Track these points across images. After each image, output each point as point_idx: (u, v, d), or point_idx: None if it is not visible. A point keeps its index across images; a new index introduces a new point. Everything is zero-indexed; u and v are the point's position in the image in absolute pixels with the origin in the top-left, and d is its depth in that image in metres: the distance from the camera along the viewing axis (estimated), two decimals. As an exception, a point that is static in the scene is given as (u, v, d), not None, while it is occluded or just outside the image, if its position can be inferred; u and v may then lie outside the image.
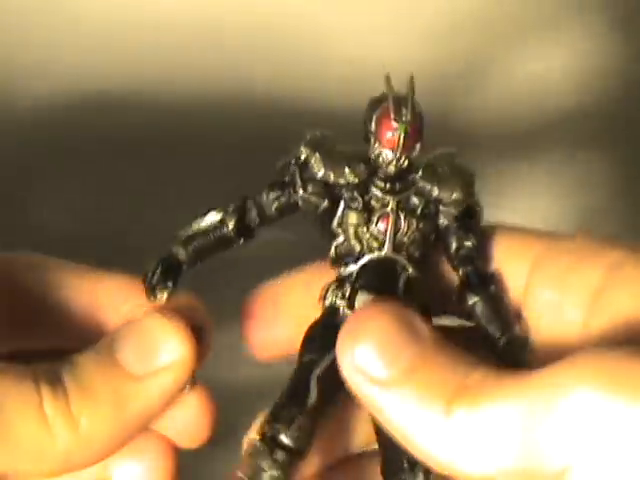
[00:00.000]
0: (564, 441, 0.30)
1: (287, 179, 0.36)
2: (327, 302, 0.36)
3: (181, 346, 0.35)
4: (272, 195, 0.36)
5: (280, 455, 0.34)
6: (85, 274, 0.38)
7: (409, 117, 0.35)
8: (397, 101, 0.35)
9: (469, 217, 0.37)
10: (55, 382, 0.34)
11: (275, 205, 0.36)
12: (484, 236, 0.37)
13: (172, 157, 0.47)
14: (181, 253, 0.36)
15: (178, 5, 0.46)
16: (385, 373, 0.33)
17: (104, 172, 0.48)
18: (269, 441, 0.34)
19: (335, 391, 0.35)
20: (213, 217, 0.36)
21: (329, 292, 0.36)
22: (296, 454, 0.34)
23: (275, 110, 0.46)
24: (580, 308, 0.35)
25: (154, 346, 0.35)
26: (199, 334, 0.36)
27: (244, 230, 0.36)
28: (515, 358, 0.35)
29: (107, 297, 0.38)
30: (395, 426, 0.33)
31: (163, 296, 0.36)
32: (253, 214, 0.36)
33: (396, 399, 0.32)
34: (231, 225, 0.36)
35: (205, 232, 0.36)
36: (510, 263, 0.37)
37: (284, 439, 0.34)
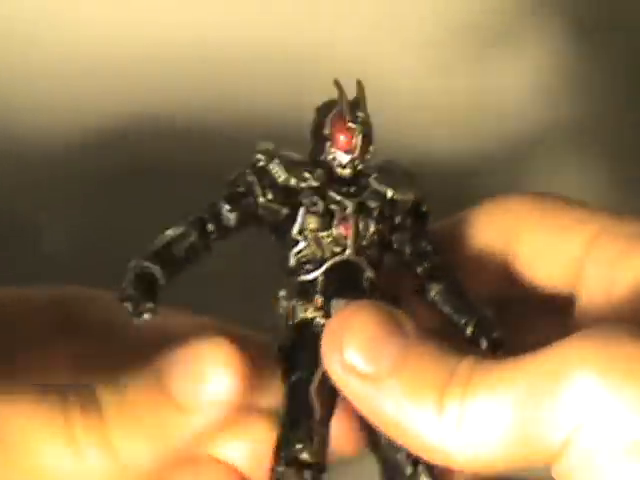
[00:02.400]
0: (564, 424, 0.30)
1: (242, 189, 0.36)
2: (297, 318, 0.36)
3: (231, 377, 0.34)
4: (230, 206, 0.35)
5: (308, 474, 0.34)
6: None
7: (365, 119, 0.35)
8: (351, 104, 0.35)
9: (420, 217, 0.38)
10: (90, 407, 0.32)
11: (234, 216, 0.35)
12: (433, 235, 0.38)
13: (180, 183, 0.46)
14: (156, 270, 0.34)
15: (174, 37, 0.46)
16: (374, 369, 0.32)
17: (115, 200, 0.48)
18: (294, 464, 0.34)
19: (333, 399, 0.35)
20: (175, 231, 0.35)
21: (297, 307, 0.36)
22: (321, 468, 0.34)
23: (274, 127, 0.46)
24: (626, 300, 0.35)
25: (204, 374, 0.34)
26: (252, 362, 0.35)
27: (206, 242, 0.35)
28: (488, 339, 0.36)
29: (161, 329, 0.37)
30: (389, 422, 0.33)
31: (148, 316, 0.33)
32: (210, 227, 0.35)
33: (387, 395, 0.32)
34: (194, 236, 0.35)
35: (171, 245, 0.35)
36: (565, 237, 0.37)
37: (307, 458, 0.34)
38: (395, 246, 0.37)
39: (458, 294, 0.37)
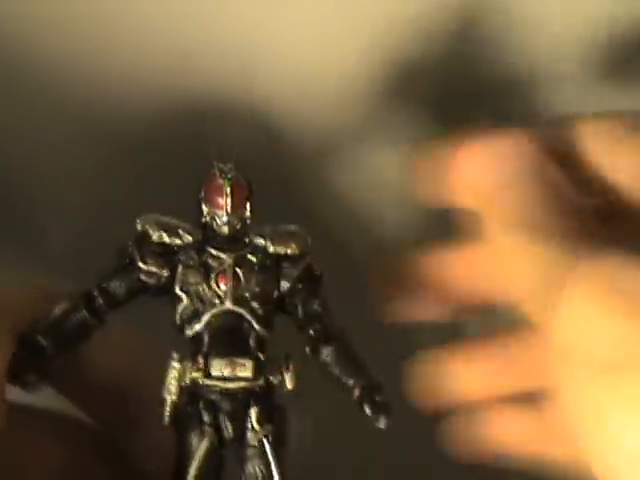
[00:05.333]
0: None
1: (127, 260, 0.37)
2: (187, 380, 0.36)
3: None
4: (115, 278, 0.37)
5: None
6: None
7: (233, 174, 0.37)
8: (222, 166, 0.37)
9: (312, 279, 0.38)
10: None
11: (120, 287, 0.37)
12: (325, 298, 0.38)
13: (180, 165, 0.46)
14: (45, 343, 0.36)
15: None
16: None
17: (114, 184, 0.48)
18: None
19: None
20: (64, 305, 0.37)
21: (185, 370, 0.36)
22: None
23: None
24: None
25: None
26: None
27: (95, 313, 0.37)
28: (372, 403, 0.36)
29: None
30: None
31: (30, 389, 0.36)
32: (100, 300, 0.37)
33: None
34: (82, 308, 0.37)
35: (61, 319, 0.37)
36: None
37: None
38: (288, 308, 0.38)
39: (348, 357, 0.37)
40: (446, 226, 0.42)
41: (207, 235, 0.37)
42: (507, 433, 0.40)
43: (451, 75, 0.45)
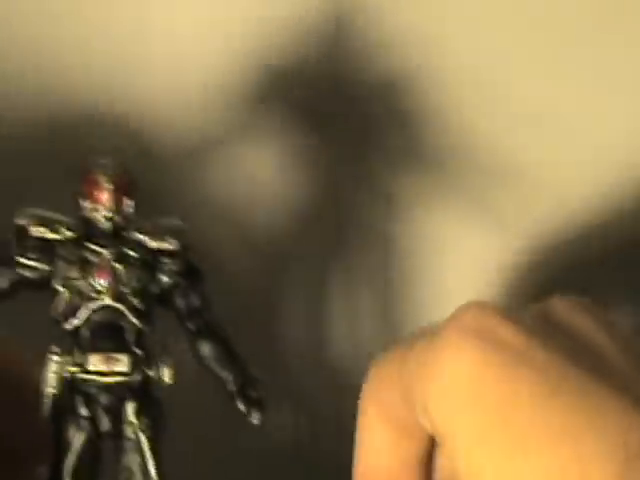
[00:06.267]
0: None
1: (8, 255, 0.38)
2: (66, 374, 0.37)
3: None
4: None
5: None
6: None
7: (114, 171, 0.37)
8: (103, 162, 0.38)
9: (191, 273, 0.39)
10: None
11: (2, 281, 0.38)
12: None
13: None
14: None
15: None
16: None
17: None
18: None
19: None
20: None
21: (64, 364, 0.37)
22: None
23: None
24: None
25: None
26: None
27: None
28: (246, 397, 0.38)
29: None
30: None
31: None
32: None
33: None
34: None
35: None
36: None
37: None
38: (169, 303, 0.39)
39: (225, 352, 0.39)
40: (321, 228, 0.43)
41: (88, 230, 0.38)
42: None
43: (322, 77, 0.47)
